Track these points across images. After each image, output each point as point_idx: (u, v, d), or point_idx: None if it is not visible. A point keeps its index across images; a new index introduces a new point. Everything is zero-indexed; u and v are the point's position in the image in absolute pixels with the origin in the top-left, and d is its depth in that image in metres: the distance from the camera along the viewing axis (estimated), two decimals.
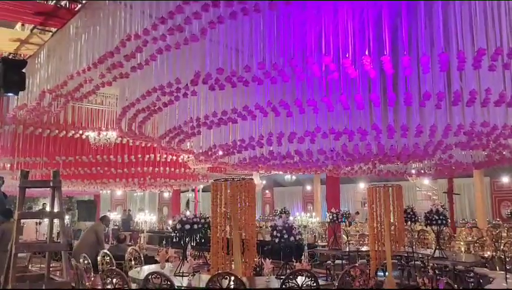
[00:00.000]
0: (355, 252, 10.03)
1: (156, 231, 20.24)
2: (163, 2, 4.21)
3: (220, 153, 8.07)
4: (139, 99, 5.83)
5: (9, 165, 11.43)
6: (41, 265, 9.17)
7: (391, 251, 7.32)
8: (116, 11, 4.88)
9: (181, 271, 6.00)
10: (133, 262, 7.78)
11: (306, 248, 10.71)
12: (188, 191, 22.76)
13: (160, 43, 4.53)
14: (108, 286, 5.36)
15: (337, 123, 5.80)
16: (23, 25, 7.45)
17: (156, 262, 7.87)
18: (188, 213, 6.75)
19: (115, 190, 22.07)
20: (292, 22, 4.57)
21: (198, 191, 21.51)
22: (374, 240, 7.49)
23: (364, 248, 10.43)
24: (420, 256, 8.90)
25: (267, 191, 26.83)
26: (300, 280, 5.20)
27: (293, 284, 5.14)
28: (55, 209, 4.62)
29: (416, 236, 11.03)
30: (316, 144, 6.64)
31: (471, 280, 7.32)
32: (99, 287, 6.17)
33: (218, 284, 4.97)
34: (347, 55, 4.27)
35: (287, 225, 6.02)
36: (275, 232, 6.02)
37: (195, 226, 6.13)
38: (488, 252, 10.34)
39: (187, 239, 6.24)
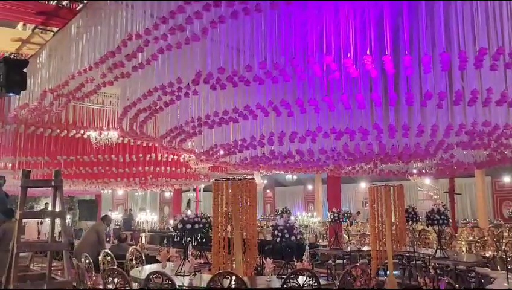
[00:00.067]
0: (357, 251, 10.03)
1: (157, 230, 20.26)
2: (165, 2, 4.21)
3: (221, 152, 8.07)
4: (141, 98, 5.84)
5: (10, 165, 11.45)
6: (43, 264, 9.18)
7: (392, 250, 7.33)
8: (118, 11, 4.88)
9: (182, 271, 6.00)
10: (134, 261, 7.79)
11: (307, 247, 10.71)
12: (189, 190, 22.78)
13: (161, 43, 4.53)
14: (110, 286, 5.36)
15: (339, 123, 5.80)
16: (24, 24, 7.46)
17: (157, 262, 7.86)
18: (189, 213, 6.76)
19: (116, 189, 22.09)
20: (293, 21, 4.56)
21: (200, 190, 21.53)
22: (375, 240, 7.49)
23: (366, 248, 10.43)
24: (421, 256, 8.90)
25: (268, 191, 26.83)
26: (301, 279, 5.20)
27: (294, 284, 5.14)
28: (57, 209, 4.62)
29: (417, 236, 11.03)
30: (317, 144, 6.65)
31: (473, 279, 7.31)
32: (101, 287, 6.17)
33: (219, 284, 4.97)
34: (348, 55, 4.26)
35: (288, 224, 6.02)
36: (276, 232, 6.02)
37: (197, 226, 6.14)
38: (490, 252, 10.33)
39: (188, 239, 6.25)
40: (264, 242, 10.78)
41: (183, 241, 6.46)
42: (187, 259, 6.21)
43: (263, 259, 6.62)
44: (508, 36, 3.99)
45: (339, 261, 9.89)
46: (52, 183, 4.59)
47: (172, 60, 4.98)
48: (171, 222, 14.00)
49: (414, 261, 9.00)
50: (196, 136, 7.40)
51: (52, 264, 4.75)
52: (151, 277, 5.21)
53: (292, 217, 16.33)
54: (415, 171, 12.07)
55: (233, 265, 5.87)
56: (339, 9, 4.37)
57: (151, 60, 4.86)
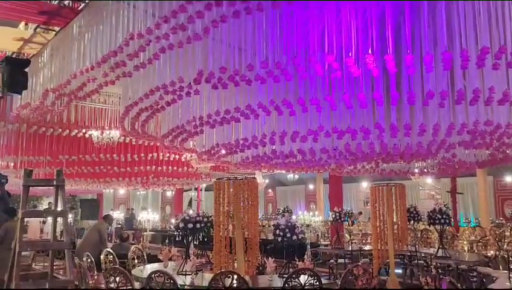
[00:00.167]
0: (358, 251, 10.03)
1: (158, 229, 20.30)
2: (167, 2, 4.21)
3: (223, 152, 8.07)
4: (142, 98, 5.84)
5: (12, 164, 11.48)
6: (45, 263, 9.20)
7: (394, 250, 7.32)
8: (119, 10, 4.88)
9: (184, 270, 6.00)
10: (136, 261, 7.79)
11: (309, 246, 10.67)
12: (190, 190, 22.79)
13: (163, 42, 4.53)
14: (112, 285, 5.37)
15: (340, 122, 5.80)
16: (26, 24, 7.47)
17: (159, 261, 7.87)
18: (190, 212, 6.75)
19: (118, 188, 22.12)
20: (295, 20, 4.57)
21: (201, 190, 21.54)
22: (376, 239, 7.49)
23: (367, 247, 10.43)
24: (423, 255, 8.89)
25: (269, 190, 26.83)
26: (303, 278, 5.20)
27: (295, 283, 5.14)
28: (59, 208, 4.64)
29: (419, 235, 11.02)
30: (318, 143, 6.64)
31: (474, 279, 7.30)
32: (103, 286, 6.18)
33: (221, 283, 4.97)
34: (350, 54, 4.26)
35: (289, 223, 6.02)
36: (277, 231, 6.02)
37: (198, 225, 6.14)
38: (491, 252, 10.33)
39: (190, 238, 6.25)
40: (266, 241, 10.77)
41: (184, 241, 6.47)
42: (189, 258, 6.22)
43: (265, 258, 6.62)
44: (510, 35, 3.99)
45: (340, 260, 9.89)
46: (54, 183, 4.60)
47: (174, 60, 4.98)
48: (173, 221, 14.02)
49: (416, 261, 8.99)
50: (198, 135, 7.41)
51: (54, 263, 4.76)
52: (153, 276, 5.21)
53: (294, 217, 16.34)
54: (416, 170, 12.07)
55: (235, 264, 5.87)
56: (341, 8, 4.37)
57: (153, 59, 4.87)
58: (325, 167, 10.47)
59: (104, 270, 7.04)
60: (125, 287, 5.39)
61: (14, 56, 7.38)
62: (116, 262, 7.37)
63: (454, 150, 7.39)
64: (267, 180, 20.95)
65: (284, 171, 15.40)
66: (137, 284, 5.72)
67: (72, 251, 4.78)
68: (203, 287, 5.33)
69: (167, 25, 4.28)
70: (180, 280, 5.48)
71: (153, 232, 18.65)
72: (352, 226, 15.14)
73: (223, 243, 5.89)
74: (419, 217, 9.06)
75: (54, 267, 4.75)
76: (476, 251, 10.62)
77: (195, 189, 21.85)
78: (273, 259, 5.97)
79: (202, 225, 6.16)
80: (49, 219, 9.51)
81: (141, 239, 15.17)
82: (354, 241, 11.77)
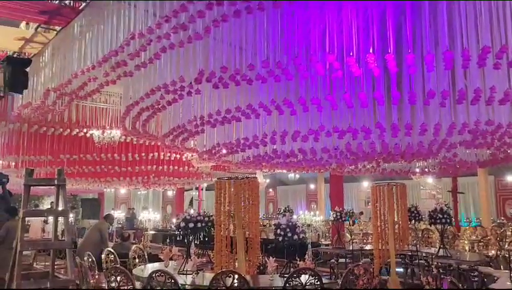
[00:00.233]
0: (359, 250, 10.02)
1: (159, 229, 20.31)
2: (168, 1, 4.21)
3: (224, 151, 8.07)
4: (143, 97, 5.84)
5: (14, 164, 11.49)
6: (46, 263, 9.22)
7: (395, 249, 7.31)
8: (120, 10, 4.89)
9: (185, 269, 6.00)
10: (137, 260, 7.80)
11: (310, 246, 10.71)
12: (191, 189, 22.79)
13: (164, 42, 4.53)
14: (113, 284, 5.37)
15: (341, 121, 5.79)
16: (27, 23, 7.46)
17: (159, 260, 7.89)
18: (191, 211, 6.76)
19: (119, 188, 22.15)
20: (296, 20, 4.56)
21: (202, 189, 21.55)
22: (377, 239, 7.48)
23: (368, 247, 10.43)
24: (424, 255, 8.89)
25: (270, 190, 26.83)
26: (304, 278, 5.20)
27: (296, 283, 5.14)
28: (60, 208, 4.64)
29: (420, 235, 11.01)
30: (319, 143, 6.64)
31: (476, 279, 7.30)
32: (104, 285, 6.19)
33: (221, 283, 4.98)
34: (351, 54, 4.26)
35: (290, 223, 6.02)
36: (278, 231, 6.01)
37: (199, 225, 6.14)
38: (493, 251, 10.31)
39: (191, 237, 6.25)
40: (267, 241, 10.78)
41: (185, 240, 6.47)
42: (190, 258, 6.22)
43: (265, 258, 6.63)
44: None
45: (341, 260, 9.89)
46: (55, 182, 4.61)
47: (175, 59, 4.98)
48: (174, 220, 14.03)
49: (417, 260, 8.99)
50: (199, 135, 7.41)
51: (55, 263, 4.77)
52: (153, 275, 5.21)
53: (294, 216, 16.36)
54: (417, 170, 12.06)
55: (236, 264, 5.87)
56: (342, 7, 4.36)
57: (153, 58, 4.87)
58: (326, 166, 10.47)
59: (105, 269, 7.05)
60: (126, 287, 5.39)
61: (15, 56, 7.39)
62: (117, 261, 7.38)
63: (456, 149, 7.39)
64: (268, 180, 20.94)
65: (285, 171, 15.40)
66: (138, 284, 5.72)
67: (73, 251, 4.78)
68: (204, 287, 5.33)
69: (168, 25, 4.28)
70: (181, 280, 5.48)
71: (153, 232, 18.69)
72: (353, 225, 15.15)
73: (224, 243, 5.89)
74: (420, 217, 9.06)
75: (55, 267, 4.76)
76: (477, 251, 10.61)
77: (196, 188, 21.86)
78: (274, 259, 5.97)
79: (203, 224, 6.16)
80: (51, 219, 9.52)
81: (142, 239, 15.18)
82: (355, 240, 11.77)
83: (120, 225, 19.87)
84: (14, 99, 8.07)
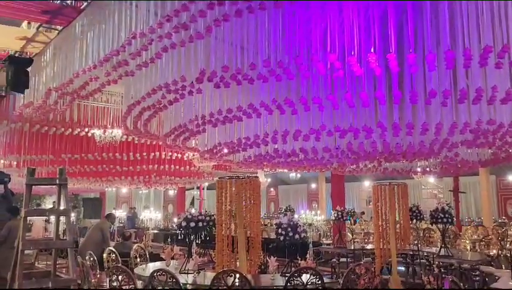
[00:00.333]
0: (360, 250, 10.03)
1: (161, 228, 20.33)
2: (169, 1, 4.21)
3: (225, 151, 8.08)
4: (145, 97, 5.85)
5: (15, 163, 11.50)
6: (48, 262, 9.22)
7: (396, 249, 7.32)
8: (122, 9, 4.89)
9: (186, 268, 6.01)
10: (138, 259, 7.82)
11: (311, 245, 10.71)
12: (193, 188, 22.82)
13: (165, 41, 4.54)
14: (114, 283, 5.39)
15: (343, 121, 5.79)
16: (29, 23, 7.48)
17: (161, 259, 7.90)
18: (193, 211, 6.76)
19: (120, 187, 22.17)
20: (297, 19, 4.56)
21: (203, 188, 21.56)
22: (379, 238, 7.49)
23: (370, 246, 10.43)
24: (425, 254, 8.88)
25: (271, 189, 26.84)
26: (305, 277, 5.20)
27: (298, 282, 5.14)
28: (61, 207, 4.65)
29: (421, 234, 11.01)
30: (321, 142, 6.63)
31: (477, 278, 7.30)
32: (105, 284, 6.20)
33: (223, 282, 4.98)
34: (352, 53, 4.26)
35: (291, 222, 6.02)
36: (279, 230, 6.02)
37: (200, 224, 6.14)
38: (494, 251, 10.30)
39: (192, 237, 6.26)
40: (268, 240, 10.78)
41: (187, 240, 6.48)
42: (191, 257, 6.23)
43: (267, 257, 6.63)
44: None
45: (342, 259, 9.89)
46: (57, 181, 4.62)
47: (176, 59, 4.98)
48: (175, 220, 14.03)
49: (418, 260, 8.99)
50: (200, 134, 7.41)
51: (57, 262, 4.78)
52: (155, 274, 5.22)
53: (296, 216, 16.35)
54: (419, 169, 12.05)
55: (237, 263, 5.88)
56: (343, 7, 4.36)
57: (155, 58, 4.87)
58: (327, 166, 10.46)
59: (107, 269, 7.07)
60: (127, 286, 5.40)
61: (16, 55, 7.40)
62: (119, 261, 7.40)
63: (457, 149, 7.38)
64: (269, 179, 20.96)
65: (286, 170, 15.41)
66: (139, 283, 5.73)
67: (74, 250, 4.79)
68: (205, 286, 5.34)
69: (169, 24, 4.28)
70: (182, 279, 5.49)
71: (155, 231, 18.70)
72: (354, 225, 15.14)
73: (225, 242, 5.90)
74: (421, 216, 9.05)
75: (57, 266, 4.77)
76: (479, 250, 10.61)
77: (198, 188, 21.88)
78: (275, 258, 5.98)
79: (204, 223, 6.17)
80: (53, 218, 9.53)
81: (143, 238, 15.22)
82: (356, 240, 11.78)
83: (121, 224, 19.92)
84: (15, 99, 8.08)
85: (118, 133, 10.61)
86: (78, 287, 4.34)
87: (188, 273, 5.91)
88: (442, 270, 7.79)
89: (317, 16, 4.48)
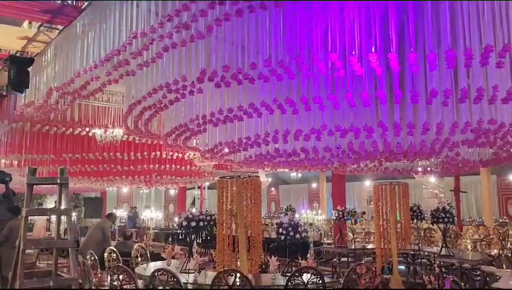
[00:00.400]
0: (361, 249, 10.03)
1: (162, 228, 20.35)
2: (170, 1, 4.21)
3: (226, 150, 8.08)
4: (146, 96, 5.85)
5: (16, 162, 11.51)
6: (49, 262, 9.24)
7: (397, 248, 7.32)
8: (123, 9, 4.89)
9: (187, 268, 6.02)
10: (139, 259, 7.82)
11: (312, 245, 10.72)
12: (194, 188, 22.82)
13: (166, 41, 4.54)
14: (115, 283, 5.39)
15: (343, 120, 5.79)
16: (30, 22, 7.49)
17: (162, 259, 7.90)
18: (194, 210, 6.77)
19: (121, 187, 22.16)
20: (298, 19, 4.56)
21: (204, 188, 21.57)
22: (379, 238, 7.49)
23: (370, 246, 10.43)
24: (426, 254, 8.88)
25: (272, 189, 26.84)
26: (306, 277, 5.20)
27: (298, 282, 5.14)
28: (63, 206, 4.65)
29: (422, 234, 11.00)
30: (322, 142, 6.63)
31: (478, 278, 7.29)
32: (106, 284, 6.20)
33: (224, 281, 4.98)
34: (353, 53, 4.25)
35: (292, 222, 6.02)
36: (280, 230, 6.02)
37: (201, 224, 6.15)
38: (495, 250, 10.29)
39: (193, 236, 6.26)
40: (269, 240, 10.78)
41: (187, 239, 6.48)
42: (192, 256, 6.23)
43: (268, 257, 6.64)
44: None
45: (343, 259, 9.89)
46: (58, 181, 4.62)
47: (177, 58, 4.99)
48: (176, 219, 14.04)
49: (419, 260, 8.98)
50: (201, 134, 7.41)
51: (58, 261, 4.79)
52: (156, 274, 5.23)
53: (297, 215, 16.34)
54: (420, 169, 12.04)
55: (238, 263, 5.88)
56: (344, 6, 4.36)
57: (156, 57, 4.88)
58: (328, 165, 10.46)
59: (108, 268, 7.07)
60: (128, 286, 5.41)
61: (17, 55, 7.41)
62: (120, 260, 7.40)
63: (458, 148, 7.37)
64: (270, 179, 20.96)
65: (287, 170, 15.41)
66: (140, 282, 5.73)
67: (75, 249, 4.80)
68: (206, 286, 5.34)
69: (170, 24, 4.28)
70: (183, 278, 5.49)
71: (156, 231, 18.71)
72: (355, 224, 15.14)
73: (226, 242, 5.90)
74: (422, 216, 9.04)
75: (58, 266, 4.77)
76: (480, 250, 10.59)
77: (199, 187, 21.88)
78: (276, 257, 5.98)
79: (205, 223, 6.17)
80: (54, 217, 9.54)
81: (144, 237, 15.23)
82: (357, 239, 11.77)
83: (122, 224, 19.93)
84: (17, 98, 8.09)
85: (118, 132, 10.62)
86: (79, 286, 4.34)
87: (188, 272, 5.91)
88: (443, 270, 7.78)
89: (318, 16, 4.47)
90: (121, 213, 22.03)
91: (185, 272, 5.92)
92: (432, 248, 9.34)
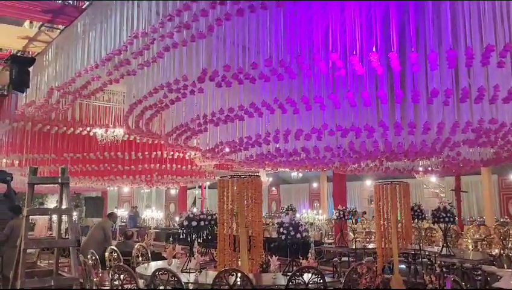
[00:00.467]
0: (362, 249, 10.02)
1: (163, 227, 20.35)
2: (171, 1, 4.21)
3: (227, 150, 8.08)
4: (146, 96, 5.86)
5: (18, 162, 11.53)
6: (50, 261, 9.26)
7: (398, 248, 7.32)
8: (124, 9, 4.90)
9: (188, 267, 6.02)
10: (140, 258, 7.82)
11: (312, 245, 10.72)
12: (194, 188, 22.84)
13: (167, 41, 4.54)
14: (116, 282, 5.39)
15: (344, 120, 5.79)
16: (31, 22, 7.51)
17: (163, 258, 7.91)
18: (194, 210, 6.77)
19: (122, 186, 22.19)
20: (299, 19, 4.56)
21: (205, 188, 21.57)
22: (380, 238, 7.49)
23: (371, 245, 10.43)
24: (427, 254, 8.88)
25: (273, 188, 26.85)
26: (306, 276, 5.20)
27: (299, 281, 5.14)
28: (63, 206, 4.66)
29: (423, 234, 10.99)
30: (322, 141, 6.63)
31: (479, 277, 7.29)
32: (107, 283, 6.21)
33: (224, 281, 4.99)
34: (354, 52, 4.25)
35: (293, 222, 6.02)
36: (281, 229, 6.02)
37: (202, 223, 6.15)
38: (496, 250, 10.28)
39: (194, 236, 6.26)
40: (270, 239, 10.78)
41: (188, 239, 6.48)
42: (193, 256, 6.23)
43: (268, 256, 6.64)
44: None
45: (344, 258, 9.88)
46: (59, 180, 4.62)
47: (178, 58, 4.99)
48: (177, 219, 14.05)
49: (420, 259, 8.98)
50: (202, 133, 7.42)
51: (59, 261, 4.79)
52: (157, 273, 5.23)
53: (297, 215, 16.36)
54: (421, 169, 12.03)
55: (239, 262, 5.88)
56: (345, 6, 4.36)
57: (157, 57, 4.88)
58: (329, 165, 10.46)
59: (109, 267, 7.07)
60: (129, 285, 5.41)
61: (18, 54, 7.42)
62: (121, 260, 7.40)
63: (459, 148, 7.37)
64: (271, 179, 20.96)
65: (287, 170, 15.41)
66: (141, 282, 5.74)
67: (76, 249, 4.80)
68: (207, 285, 5.34)
69: (171, 24, 4.29)
70: (184, 278, 5.49)
71: (157, 230, 18.72)
72: (356, 224, 15.13)
73: (227, 241, 5.90)
74: (423, 216, 9.03)
75: (59, 265, 4.78)
76: (481, 250, 10.58)
77: (199, 187, 21.89)
78: (277, 257, 5.98)
79: (206, 223, 6.17)
80: (55, 217, 9.55)
81: (145, 237, 15.24)
82: (357, 239, 11.75)
83: (123, 223, 19.94)
84: (18, 98, 8.10)
85: (119, 132, 10.63)
86: (80, 286, 4.35)
87: (189, 272, 5.91)
88: (444, 269, 7.78)
89: (319, 15, 4.47)
90: (122, 213, 22.06)
91: (186, 272, 5.92)
92: (433, 248, 9.34)
